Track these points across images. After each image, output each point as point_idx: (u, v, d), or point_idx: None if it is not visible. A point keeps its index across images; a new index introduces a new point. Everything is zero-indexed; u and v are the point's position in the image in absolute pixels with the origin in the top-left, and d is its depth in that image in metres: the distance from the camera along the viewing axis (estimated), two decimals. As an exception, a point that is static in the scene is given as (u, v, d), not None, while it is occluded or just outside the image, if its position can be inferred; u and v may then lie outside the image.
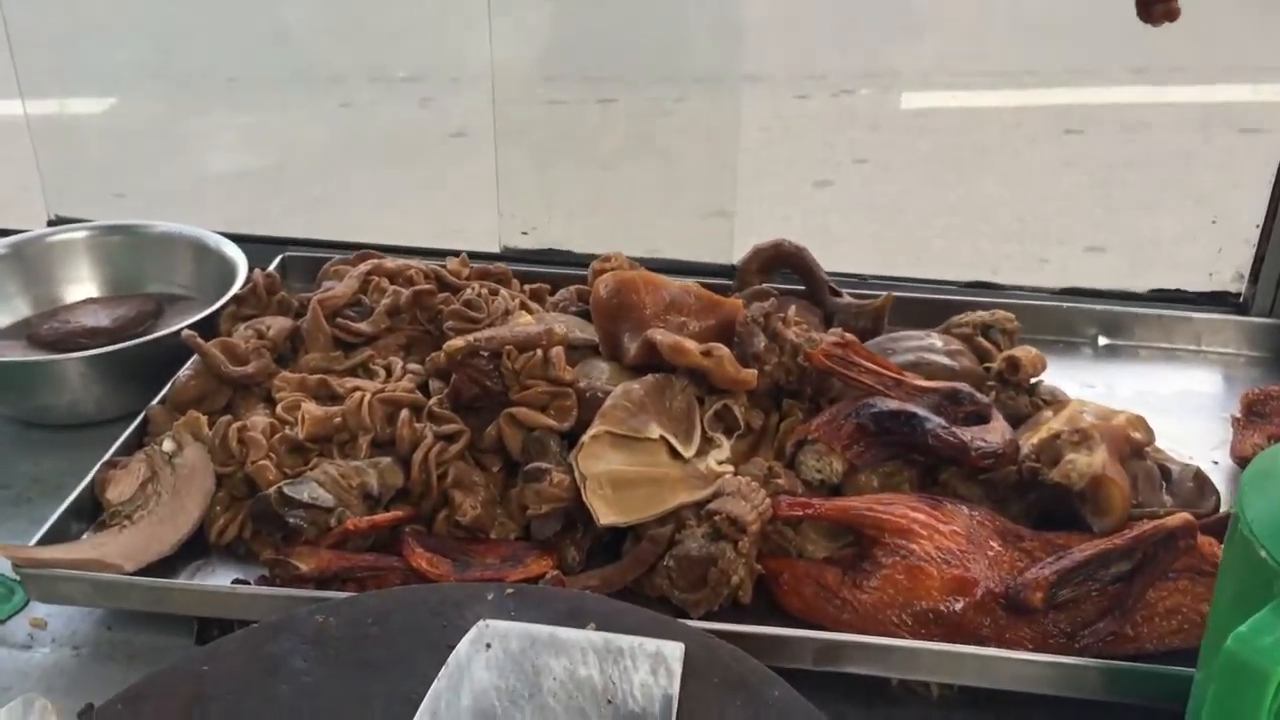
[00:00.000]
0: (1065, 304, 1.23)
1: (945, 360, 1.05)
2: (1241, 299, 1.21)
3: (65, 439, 1.12)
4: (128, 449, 1.00)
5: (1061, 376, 1.11)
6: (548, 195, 1.33)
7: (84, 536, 0.94)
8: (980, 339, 1.10)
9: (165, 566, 0.92)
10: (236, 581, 0.90)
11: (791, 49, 5.14)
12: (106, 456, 0.98)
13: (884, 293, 1.15)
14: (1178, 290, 1.23)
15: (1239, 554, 0.62)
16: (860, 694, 0.85)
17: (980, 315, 1.12)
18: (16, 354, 1.17)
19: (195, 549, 0.95)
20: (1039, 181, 3.79)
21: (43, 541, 0.91)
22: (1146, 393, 1.14)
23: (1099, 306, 1.22)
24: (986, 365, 1.07)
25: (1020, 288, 1.26)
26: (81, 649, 0.91)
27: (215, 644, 0.77)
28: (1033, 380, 1.05)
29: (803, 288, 1.20)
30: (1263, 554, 0.59)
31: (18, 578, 0.92)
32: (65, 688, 0.86)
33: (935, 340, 1.08)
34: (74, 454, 1.07)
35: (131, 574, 0.89)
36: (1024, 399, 1.04)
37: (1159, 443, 1.00)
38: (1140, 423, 0.97)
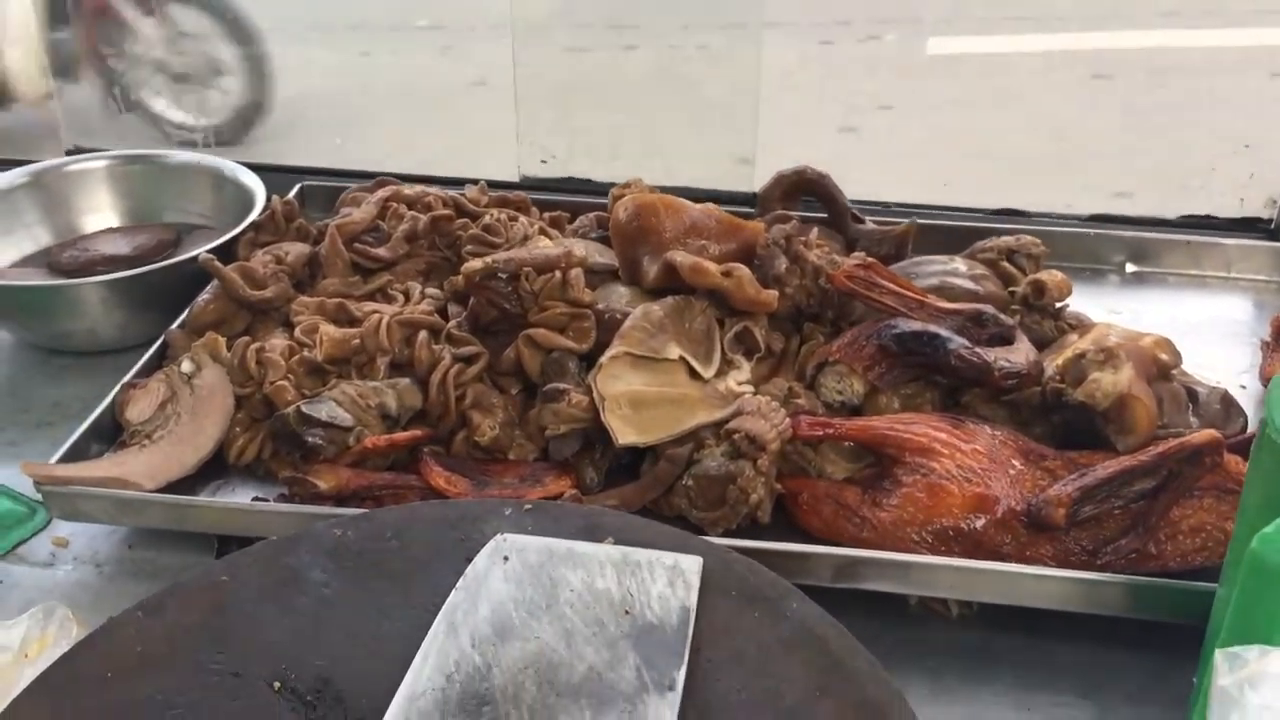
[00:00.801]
0: (1093, 230, 1.21)
1: (969, 284, 1.04)
2: (1273, 225, 1.19)
3: (86, 365, 1.12)
4: (147, 371, 1.00)
5: (1089, 303, 1.10)
6: (567, 130, 1.32)
7: (104, 457, 0.94)
8: (1005, 264, 1.09)
9: (185, 486, 0.92)
10: (256, 500, 0.90)
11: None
12: (126, 378, 0.99)
13: (907, 220, 1.13)
14: (1207, 216, 1.21)
15: (1267, 460, 0.61)
16: (880, 613, 0.85)
17: (1005, 240, 1.10)
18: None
19: (215, 469, 0.95)
20: (1067, 126, 3.74)
21: (63, 461, 0.92)
22: (1175, 319, 1.12)
23: (1127, 233, 1.20)
24: (1011, 290, 1.06)
25: (1047, 215, 1.24)
26: (103, 567, 0.91)
27: (234, 556, 0.78)
28: (1059, 305, 1.04)
29: (825, 215, 1.19)
30: (1274, 431, 0.58)
31: (39, 497, 0.92)
32: (88, 604, 0.87)
33: (959, 265, 1.07)
34: (95, 379, 1.07)
35: (152, 492, 0.89)
36: (1049, 323, 1.02)
37: (1186, 367, 0.99)
38: (1167, 345, 0.95)
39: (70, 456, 0.92)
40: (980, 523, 0.83)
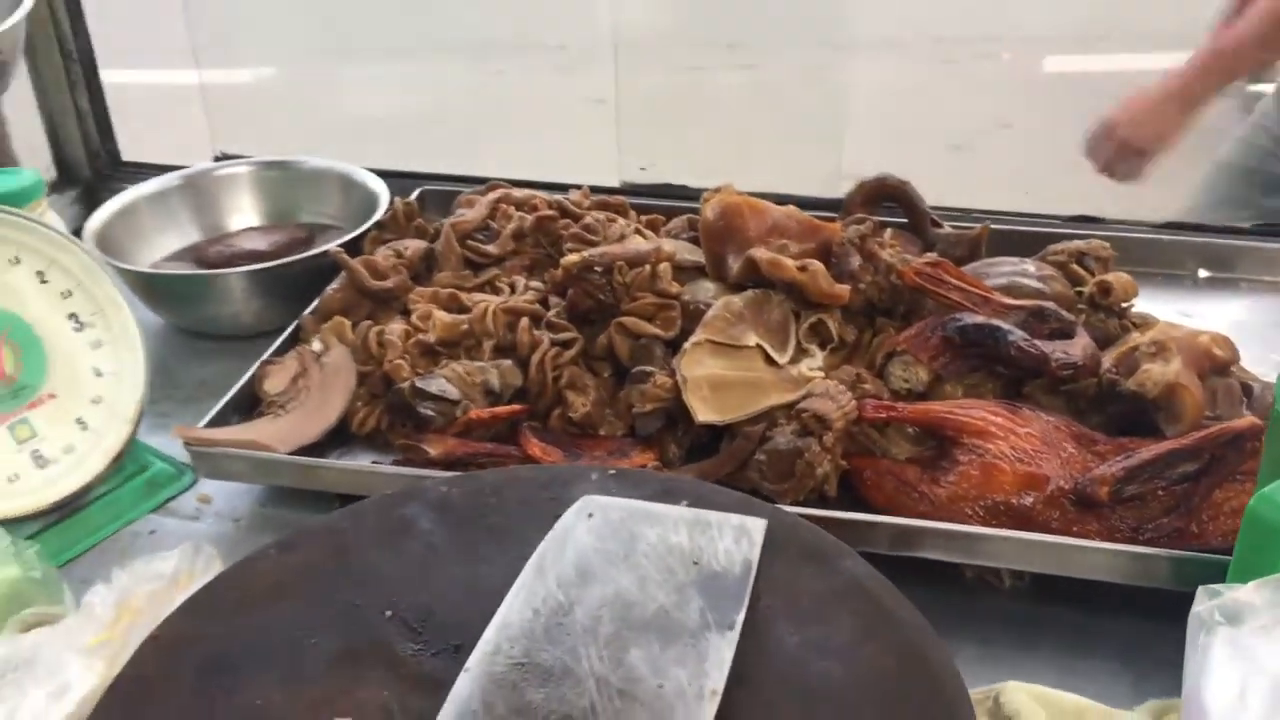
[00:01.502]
0: (1166, 237, 1.25)
1: (1037, 284, 1.10)
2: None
3: (228, 348, 1.25)
4: (282, 351, 1.12)
5: (1160, 306, 1.15)
6: (666, 141, 1.42)
7: (243, 424, 1.06)
8: (1074, 266, 1.14)
9: (312, 451, 1.03)
10: (374, 463, 1.01)
11: (934, 12, 5.10)
12: (264, 356, 1.11)
13: (981, 224, 1.19)
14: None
15: (1275, 436, 0.67)
16: (936, 583, 0.91)
17: (1076, 244, 1.16)
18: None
19: (339, 438, 1.06)
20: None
21: (208, 427, 1.04)
22: (1244, 322, 1.16)
23: (1200, 239, 1.24)
24: (1079, 290, 1.11)
25: (1122, 221, 1.29)
26: (240, 520, 1.03)
27: (355, 506, 0.88)
28: (1124, 305, 1.09)
29: (906, 220, 1.26)
30: (1289, 425, 0.64)
31: (188, 460, 1.05)
32: (226, 553, 0.99)
33: (1029, 266, 1.13)
34: (235, 360, 1.19)
35: (284, 455, 1.00)
36: (1114, 322, 1.08)
37: (1249, 366, 1.03)
38: (1224, 342, 1.00)
39: (214, 424, 1.04)
40: (1030, 500, 0.89)
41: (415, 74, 4.31)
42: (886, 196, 1.26)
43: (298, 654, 0.75)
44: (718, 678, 0.71)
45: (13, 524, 0.94)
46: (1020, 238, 1.23)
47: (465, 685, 0.71)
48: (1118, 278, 1.09)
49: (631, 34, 1.33)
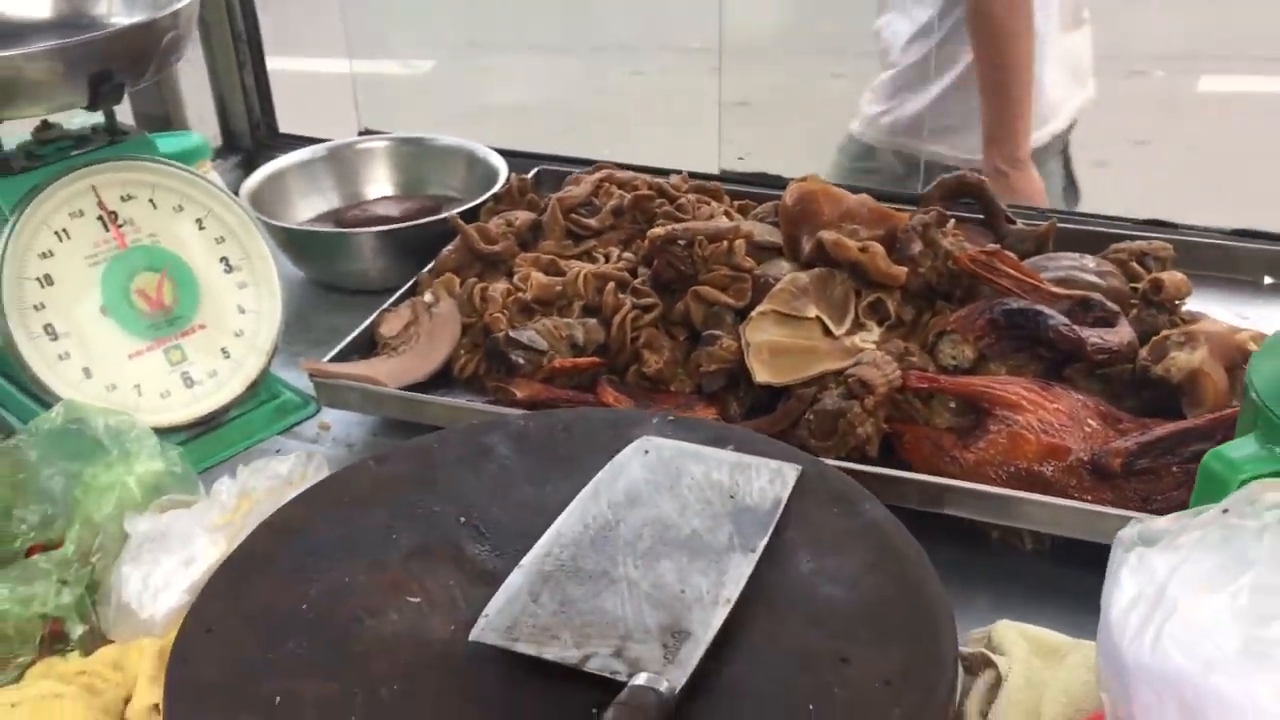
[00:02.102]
0: (1234, 243, 1.30)
1: (1093, 278, 1.17)
2: None
3: (355, 301, 1.39)
4: (400, 303, 1.26)
5: (1218, 307, 1.19)
6: (765, 136, 1.52)
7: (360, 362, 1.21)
8: (1134, 264, 1.20)
9: (418, 389, 1.17)
10: (469, 401, 1.14)
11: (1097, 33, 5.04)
12: (384, 306, 1.25)
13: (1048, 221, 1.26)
14: (1361, 238, 1.28)
15: (1247, 414, 0.74)
16: (963, 543, 1.00)
17: (1138, 244, 1.22)
18: (327, 230, 1.47)
19: (441, 381, 1.19)
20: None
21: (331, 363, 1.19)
22: (1302, 328, 1.20)
23: (1269, 247, 1.28)
24: (1134, 286, 1.17)
25: (1193, 226, 1.34)
26: (353, 446, 1.18)
27: (442, 432, 1.02)
28: (1176, 303, 1.15)
29: (982, 216, 1.33)
30: (1254, 396, 0.71)
31: (313, 393, 1.20)
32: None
33: (1089, 262, 1.20)
34: (361, 312, 1.33)
35: (394, 390, 1.15)
36: (1164, 318, 1.13)
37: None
38: (1262, 338, 1.05)
39: (337, 361, 1.19)
40: (1050, 468, 0.97)
41: (547, 68, 4.51)
42: (965, 193, 1.34)
43: (382, 546, 0.88)
44: (733, 589, 0.82)
45: (162, 433, 1.10)
46: (1090, 236, 1.29)
47: (517, 578, 0.83)
48: (1170, 276, 1.15)
49: (731, 39, 1.44)
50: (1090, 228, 1.32)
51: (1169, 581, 0.55)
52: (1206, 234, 1.33)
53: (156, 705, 0.84)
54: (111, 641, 0.91)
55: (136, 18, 1.13)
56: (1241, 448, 0.68)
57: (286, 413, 1.21)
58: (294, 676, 0.77)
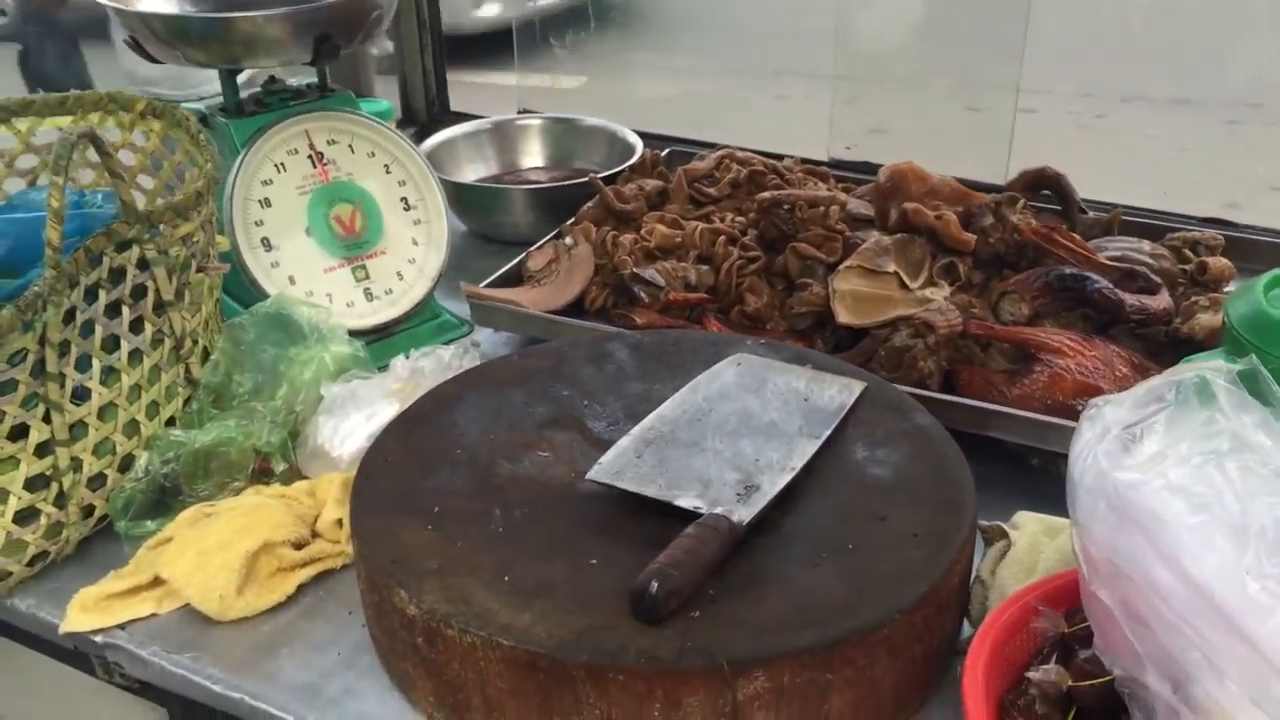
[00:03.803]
0: (1289, 242, 1.44)
1: (1147, 259, 1.33)
2: None
3: (506, 250, 1.62)
4: (544, 246, 1.50)
5: (1264, 296, 1.34)
6: (872, 131, 1.71)
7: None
8: (1186, 250, 1.36)
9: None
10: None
11: (1231, 73, 5.09)
12: (534, 247, 1.48)
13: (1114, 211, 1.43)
14: None
15: (1224, 332, 0.91)
16: (1007, 465, 1.17)
17: (1193, 233, 1.38)
18: (486, 191, 1.72)
19: (575, 312, 1.41)
20: None
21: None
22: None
23: (1320, 247, 1.42)
24: (1184, 268, 1.33)
25: (1251, 226, 1.48)
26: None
27: (573, 339, 1.24)
28: (1219, 284, 1.30)
29: (1059, 207, 1.50)
30: (1226, 321, 0.88)
31: (468, 317, 1.44)
32: (485, 380, 1.37)
33: (1145, 245, 1.36)
34: (511, 258, 1.57)
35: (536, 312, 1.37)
36: (1207, 298, 1.29)
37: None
38: None
39: (490, 288, 1.43)
40: (1083, 405, 1.14)
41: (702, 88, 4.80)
42: (1045, 185, 1.51)
43: (519, 414, 1.10)
44: (799, 461, 1.01)
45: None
46: (1153, 228, 1.45)
47: (625, 441, 1.04)
48: (1216, 261, 1.30)
49: (859, 55, 1.65)
50: (1155, 221, 1.48)
51: (1111, 423, 0.73)
52: (1262, 232, 1.47)
53: (339, 520, 1.08)
54: (306, 478, 1.16)
55: (351, -5, 1.39)
56: (1209, 355, 0.86)
57: (445, 330, 1.45)
58: (448, 496, 1.00)
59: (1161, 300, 1.22)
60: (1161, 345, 1.22)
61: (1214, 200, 4.17)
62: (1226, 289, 1.31)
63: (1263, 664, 0.62)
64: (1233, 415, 0.69)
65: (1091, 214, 1.47)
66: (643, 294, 1.34)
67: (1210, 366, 0.72)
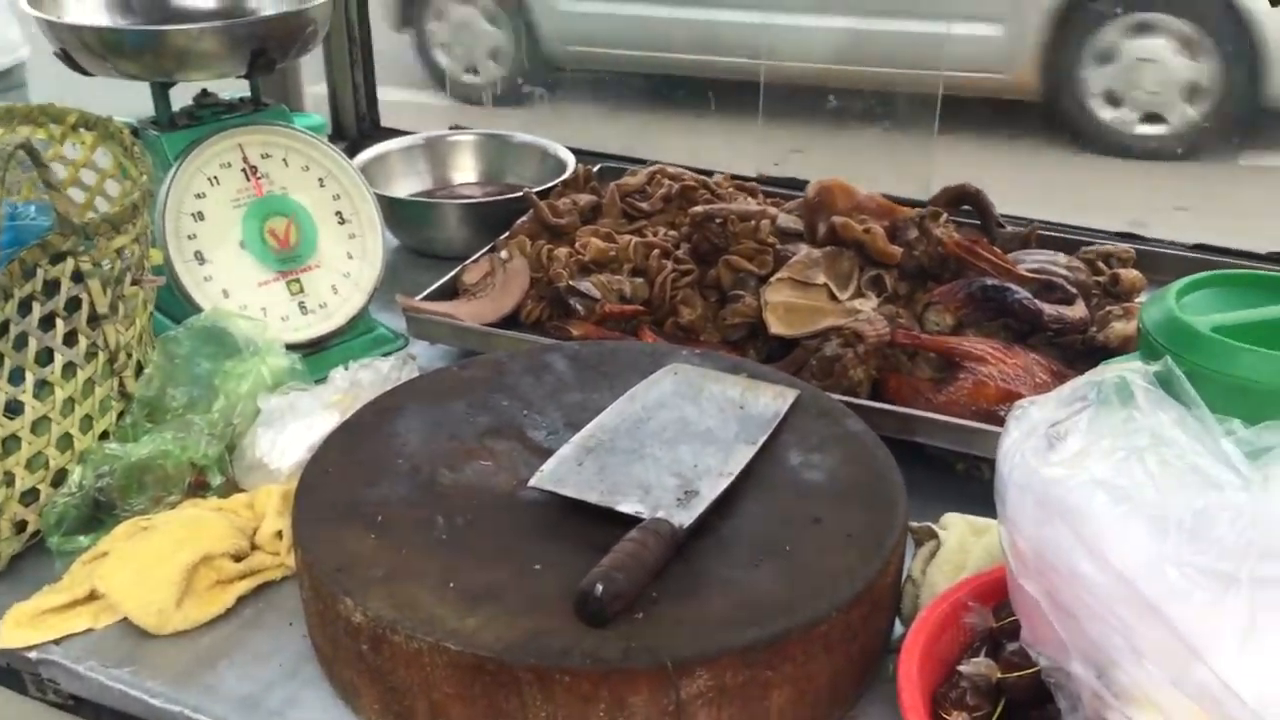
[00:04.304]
0: (1195, 255, 1.51)
1: (1063, 271, 1.38)
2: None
3: (440, 265, 1.62)
4: (480, 259, 1.51)
5: (1173, 306, 1.40)
6: (797, 149, 1.76)
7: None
8: (1100, 263, 1.42)
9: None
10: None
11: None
12: (468, 261, 1.50)
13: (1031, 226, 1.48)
14: (1301, 255, 1.49)
15: (1139, 337, 0.96)
16: (934, 471, 1.21)
17: (1106, 247, 1.44)
18: (417, 207, 1.72)
19: (510, 325, 1.42)
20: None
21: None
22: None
23: (1224, 260, 1.49)
24: (1098, 280, 1.39)
25: (1160, 240, 1.55)
26: (434, 372, 1.41)
27: (512, 350, 1.25)
28: (1131, 295, 1.36)
29: (979, 221, 1.55)
30: (1140, 326, 0.93)
31: (403, 330, 1.44)
32: (421, 392, 1.37)
33: (1061, 258, 1.41)
34: (445, 273, 1.58)
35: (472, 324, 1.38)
36: (1120, 308, 1.35)
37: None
38: (1196, 321, 1.26)
39: (426, 301, 1.43)
40: (1005, 410, 1.17)
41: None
42: (965, 200, 1.56)
43: (461, 425, 1.12)
44: (735, 466, 1.04)
45: (282, 348, 1.35)
46: (1067, 242, 1.51)
47: (566, 449, 1.06)
48: (1128, 272, 1.36)
49: (771, 75, 1.69)
50: (1069, 235, 1.54)
51: (1037, 422, 0.77)
52: (1171, 246, 1.54)
53: (279, 532, 1.08)
54: (243, 490, 1.15)
55: (285, 8, 1.40)
56: (1126, 358, 0.90)
57: (380, 343, 1.45)
58: (391, 505, 1.01)
59: (1078, 310, 1.27)
60: (1078, 353, 1.26)
61: (1120, 219, 4.32)
62: (1138, 299, 1.36)
63: (1181, 647, 0.65)
64: (1151, 413, 0.73)
65: (1009, 228, 1.52)
66: (579, 306, 1.36)
67: (1129, 368, 0.76)
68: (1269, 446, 0.75)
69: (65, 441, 1.09)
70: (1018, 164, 4.79)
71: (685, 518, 0.96)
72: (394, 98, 2.14)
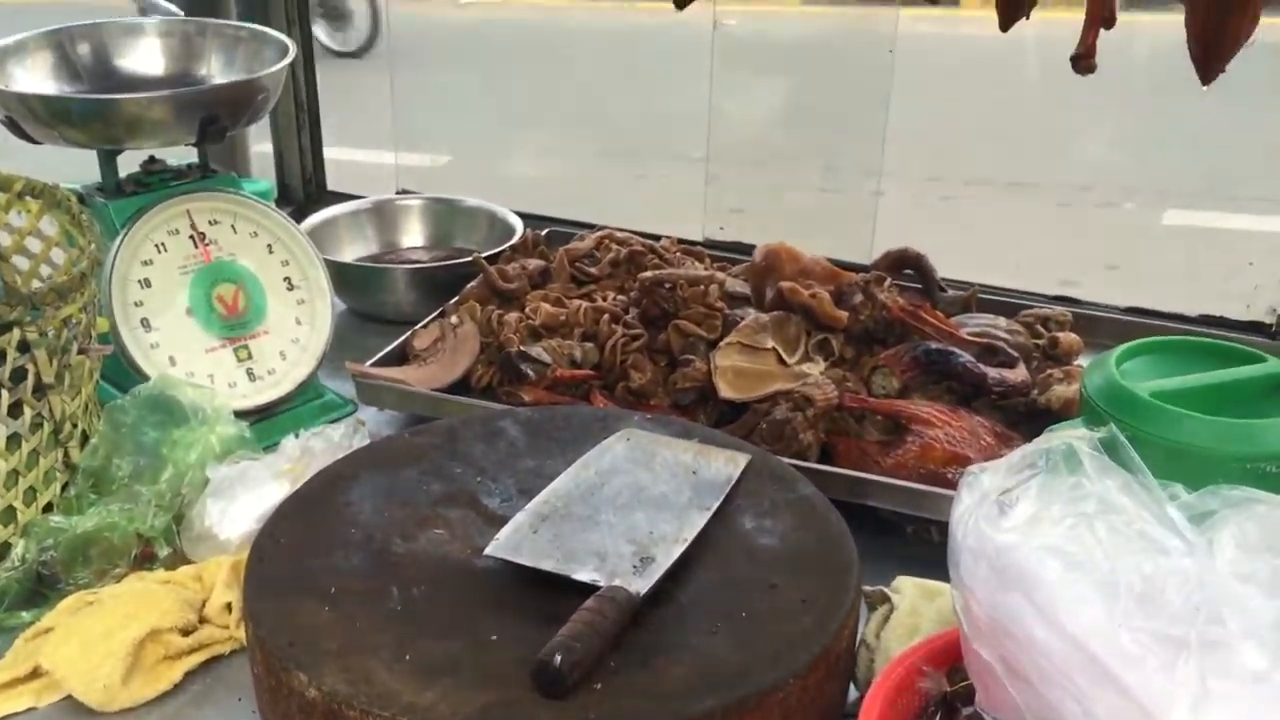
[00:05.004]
0: (1128, 318, 1.55)
1: (1003, 334, 1.42)
2: (1273, 329, 1.51)
3: (389, 330, 1.62)
4: (430, 324, 1.51)
5: (1109, 368, 1.44)
6: (741, 213, 1.79)
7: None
8: (1039, 326, 1.45)
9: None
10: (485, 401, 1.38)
11: (1065, 159, 5.42)
12: (418, 326, 1.50)
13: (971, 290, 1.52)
14: (1221, 317, 1.53)
15: (1081, 402, 0.98)
16: (884, 535, 1.22)
17: (1043, 310, 1.47)
18: (365, 271, 1.72)
19: (461, 390, 1.43)
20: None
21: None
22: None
23: (1155, 323, 1.54)
24: (1038, 343, 1.42)
25: (1095, 303, 1.59)
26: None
27: (465, 415, 1.25)
28: (1069, 358, 1.40)
29: (920, 285, 1.59)
30: (1083, 391, 0.95)
31: (352, 396, 1.44)
32: (371, 459, 1.36)
33: (1001, 321, 1.45)
34: (393, 338, 1.58)
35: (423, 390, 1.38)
36: (1059, 370, 1.38)
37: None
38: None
39: (375, 366, 1.43)
40: (953, 473, 1.20)
41: (568, 168, 4.91)
42: (907, 264, 1.59)
43: (413, 492, 1.11)
44: (690, 533, 1.04)
45: (229, 415, 1.34)
46: (1007, 305, 1.54)
47: (521, 516, 1.05)
48: (1066, 336, 1.40)
49: (716, 140, 1.72)
50: (1007, 299, 1.57)
51: (989, 489, 0.79)
52: (1106, 309, 1.58)
53: (229, 605, 1.06)
54: (191, 562, 1.14)
55: (236, 77, 1.40)
56: (1070, 424, 0.92)
57: (329, 409, 1.45)
58: (345, 576, 1.00)
59: (1020, 373, 1.30)
60: (1021, 415, 1.29)
61: (1052, 277, 4.41)
62: (1076, 361, 1.40)
63: (1136, 712, 0.67)
64: (1098, 480, 0.75)
65: (951, 292, 1.56)
66: (530, 371, 1.36)
67: (1075, 435, 0.78)
68: (1210, 510, 0.77)
69: (8, 515, 1.07)
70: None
71: (642, 585, 0.96)
72: (337, 156, 2.14)
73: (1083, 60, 1.08)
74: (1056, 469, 0.77)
